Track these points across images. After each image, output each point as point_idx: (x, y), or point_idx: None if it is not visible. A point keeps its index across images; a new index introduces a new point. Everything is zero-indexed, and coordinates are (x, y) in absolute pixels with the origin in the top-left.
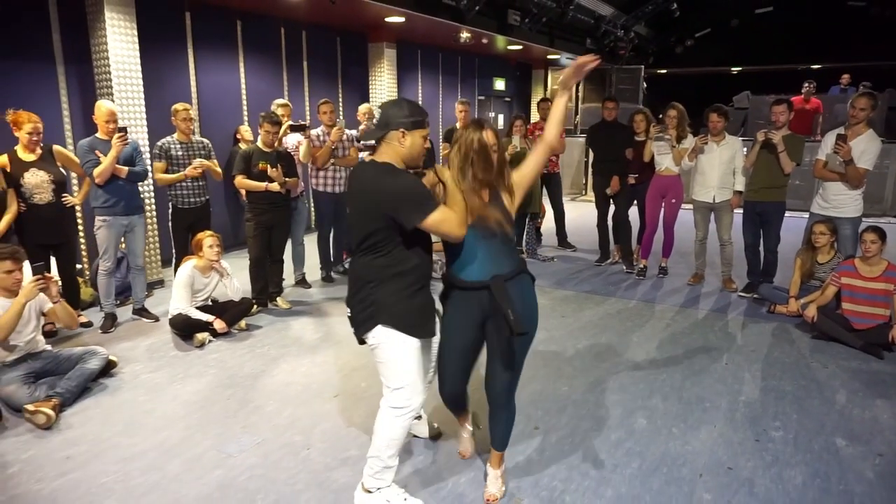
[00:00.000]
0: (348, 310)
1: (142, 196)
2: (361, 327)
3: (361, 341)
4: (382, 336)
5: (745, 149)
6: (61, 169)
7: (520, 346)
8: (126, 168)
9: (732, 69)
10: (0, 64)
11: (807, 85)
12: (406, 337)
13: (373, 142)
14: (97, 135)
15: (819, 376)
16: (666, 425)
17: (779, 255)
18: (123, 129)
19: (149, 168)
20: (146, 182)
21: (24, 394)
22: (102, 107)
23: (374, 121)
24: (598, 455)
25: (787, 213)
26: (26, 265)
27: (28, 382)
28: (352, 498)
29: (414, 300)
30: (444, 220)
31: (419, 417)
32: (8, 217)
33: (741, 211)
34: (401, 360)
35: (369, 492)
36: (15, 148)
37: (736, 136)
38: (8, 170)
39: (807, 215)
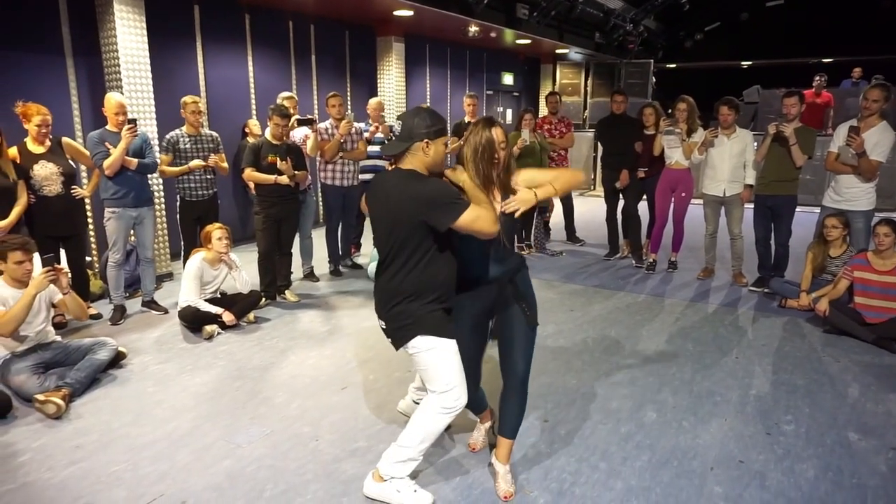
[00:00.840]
0: (382, 322)
1: (151, 188)
2: (400, 339)
3: (398, 349)
4: (424, 345)
5: (755, 143)
6: (70, 161)
7: (532, 334)
8: (135, 160)
9: (742, 63)
10: (10, 56)
11: (818, 78)
12: (445, 341)
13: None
14: (107, 127)
15: (831, 370)
16: (676, 418)
17: (790, 250)
18: (133, 121)
19: (158, 160)
20: (155, 174)
21: (34, 384)
22: (112, 99)
23: (385, 119)
24: (607, 448)
25: (799, 208)
26: (36, 256)
27: (38, 373)
28: (360, 488)
29: (444, 306)
30: (477, 217)
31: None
32: (18, 209)
33: (752, 205)
34: (445, 364)
35: (382, 479)
36: (24, 140)
37: (747, 130)
38: (18, 162)
39: (818, 210)
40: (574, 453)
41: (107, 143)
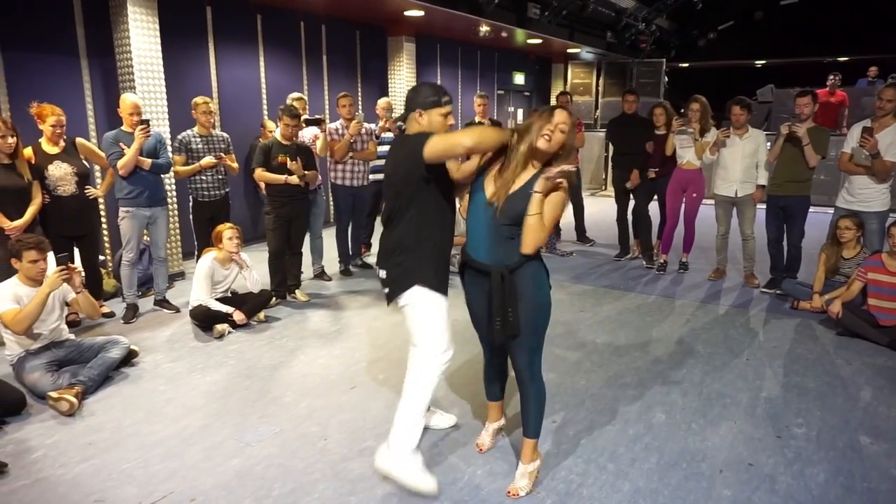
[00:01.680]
0: (382, 272)
1: (165, 188)
2: (397, 288)
3: (391, 302)
4: (417, 296)
5: (768, 143)
6: (84, 161)
7: (533, 324)
8: (149, 160)
9: (756, 62)
10: (26, 58)
11: (832, 77)
12: (437, 295)
13: (402, 124)
14: (122, 127)
15: (843, 373)
16: (685, 420)
17: (803, 251)
18: (146, 122)
19: (172, 161)
20: (168, 175)
21: (47, 381)
22: (127, 100)
23: (393, 114)
24: (615, 449)
25: (812, 208)
26: (50, 256)
27: (52, 370)
28: (368, 488)
29: (440, 263)
30: (447, 139)
31: (428, 409)
32: (33, 208)
33: (764, 205)
34: (434, 317)
35: (394, 456)
36: (39, 140)
37: (759, 129)
38: (33, 162)
39: (832, 211)
40: (582, 454)
41: (121, 144)
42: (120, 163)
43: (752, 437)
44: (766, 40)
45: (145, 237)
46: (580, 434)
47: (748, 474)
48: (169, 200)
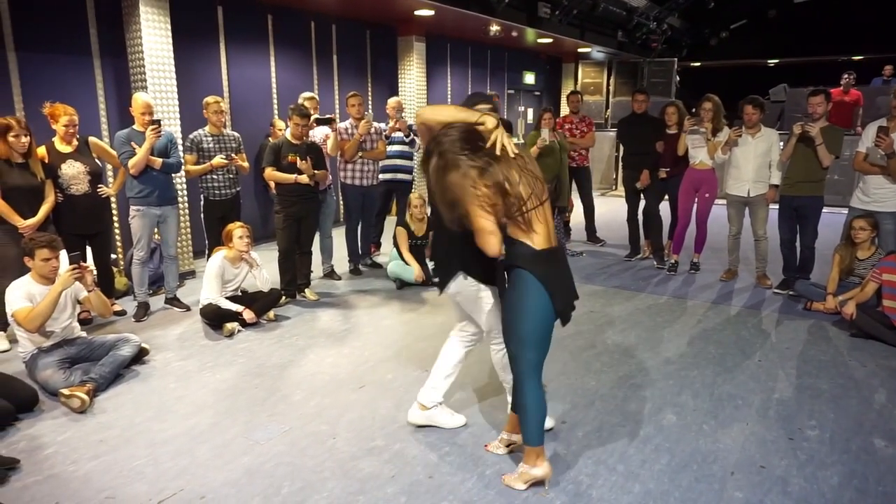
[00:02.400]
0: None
1: (176, 187)
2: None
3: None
4: (484, 289)
5: (781, 142)
6: (97, 160)
7: (517, 322)
8: (160, 160)
9: (769, 62)
10: (40, 58)
11: (846, 76)
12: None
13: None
14: (134, 126)
15: (857, 375)
16: (696, 422)
17: (816, 251)
18: (157, 122)
19: (183, 160)
20: (179, 174)
21: (59, 378)
22: (139, 99)
23: (403, 114)
24: (625, 450)
25: (826, 209)
26: (63, 254)
27: (63, 368)
28: (377, 487)
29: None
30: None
31: (440, 404)
32: (46, 207)
33: (776, 206)
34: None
35: (425, 408)
36: (52, 140)
37: (772, 129)
38: (46, 161)
39: (846, 211)
40: (592, 455)
41: (132, 143)
42: (131, 162)
43: (764, 439)
44: (779, 39)
45: (156, 236)
46: (590, 435)
47: (760, 476)
48: (180, 199)
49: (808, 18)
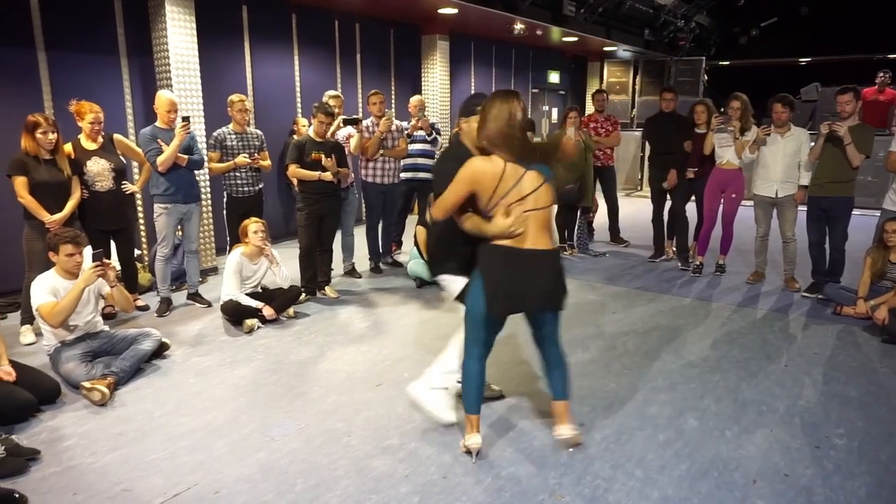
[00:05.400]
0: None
1: (199, 184)
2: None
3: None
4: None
5: (812, 142)
6: (121, 157)
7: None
8: (186, 156)
9: (801, 60)
10: (69, 56)
11: (881, 74)
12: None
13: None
14: (157, 124)
15: (888, 382)
16: (718, 427)
17: (846, 254)
18: (187, 118)
19: (205, 157)
20: (202, 171)
21: (82, 371)
22: (163, 97)
23: (425, 113)
24: (644, 455)
25: (857, 211)
26: (87, 250)
27: (86, 361)
28: (390, 486)
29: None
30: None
31: (445, 388)
32: (72, 203)
33: (805, 207)
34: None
35: (429, 387)
36: (78, 137)
37: (803, 128)
38: (72, 157)
39: (878, 213)
40: (609, 459)
41: (159, 140)
42: (160, 159)
43: (788, 447)
44: (811, 37)
45: (178, 232)
46: (608, 438)
47: (784, 485)
48: (203, 196)
49: (842, 15)
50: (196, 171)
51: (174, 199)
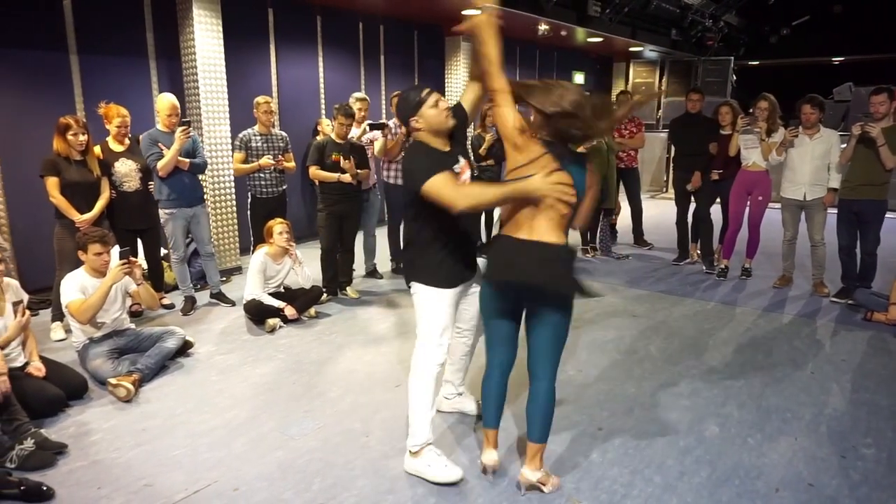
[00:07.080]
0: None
1: (203, 187)
2: (407, 278)
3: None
4: (416, 290)
5: (842, 143)
6: None
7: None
8: (188, 160)
9: (833, 59)
10: (101, 60)
11: None
12: (437, 291)
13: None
14: (157, 127)
15: None
16: (741, 434)
17: (878, 259)
18: (187, 123)
19: (208, 160)
20: (226, 172)
21: (108, 368)
22: (164, 100)
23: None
24: (664, 461)
25: (890, 214)
26: (115, 249)
27: (112, 358)
28: (407, 486)
29: (444, 260)
30: (467, 195)
31: (460, 394)
32: (101, 203)
33: (835, 210)
34: (429, 312)
35: (413, 453)
36: (106, 139)
37: (833, 129)
38: (101, 158)
39: None
40: (628, 464)
41: (160, 144)
42: (160, 164)
43: (813, 456)
44: (845, 36)
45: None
46: (627, 443)
47: (808, 495)
48: (227, 197)
49: (877, 13)
50: (200, 175)
51: (178, 203)
